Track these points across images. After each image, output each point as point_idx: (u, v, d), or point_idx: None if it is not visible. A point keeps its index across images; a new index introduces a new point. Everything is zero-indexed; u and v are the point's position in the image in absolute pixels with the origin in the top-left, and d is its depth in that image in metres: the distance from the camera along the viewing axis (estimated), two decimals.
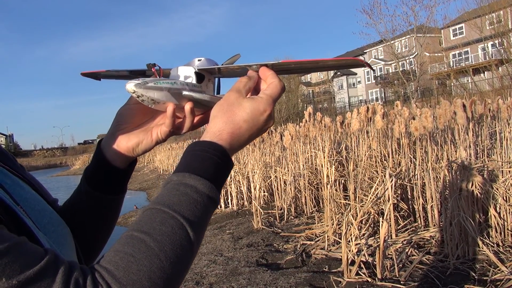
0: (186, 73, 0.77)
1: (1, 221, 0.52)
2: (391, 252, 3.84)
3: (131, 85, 0.70)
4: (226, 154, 0.64)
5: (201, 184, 0.60)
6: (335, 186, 5.28)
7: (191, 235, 0.56)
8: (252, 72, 0.74)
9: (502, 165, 4.15)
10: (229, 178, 7.62)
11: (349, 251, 3.73)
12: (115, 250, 0.53)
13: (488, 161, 4.28)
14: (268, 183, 7.22)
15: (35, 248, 0.50)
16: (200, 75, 0.78)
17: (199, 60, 0.79)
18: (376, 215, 4.49)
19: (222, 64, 0.83)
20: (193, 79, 0.77)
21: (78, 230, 0.76)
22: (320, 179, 6.06)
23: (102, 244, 0.86)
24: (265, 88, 0.71)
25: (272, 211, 6.35)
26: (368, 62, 0.73)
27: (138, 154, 0.80)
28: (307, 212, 6.13)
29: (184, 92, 0.74)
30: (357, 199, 4.88)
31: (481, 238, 3.68)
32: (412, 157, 4.96)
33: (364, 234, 4.28)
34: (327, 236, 4.49)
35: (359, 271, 3.56)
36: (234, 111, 0.67)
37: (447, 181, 3.95)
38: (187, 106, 0.75)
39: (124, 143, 0.78)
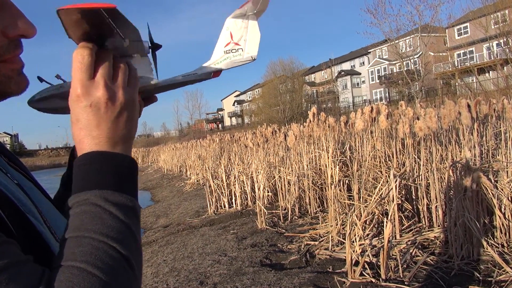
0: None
1: (12, 235, 0.53)
2: (395, 252, 3.83)
3: (29, 103, 0.73)
4: (98, 155, 0.61)
5: (90, 196, 0.58)
6: (339, 186, 5.27)
7: (115, 245, 0.54)
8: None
9: (507, 165, 4.13)
10: (233, 178, 7.64)
11: (353, 251, 3.73)
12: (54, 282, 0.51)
13: (493, 162, 4.27)
14: (272, 183, 7.22)
15: (33, 270, 0.50)
16: None
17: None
18: (380, 215, 4.48)
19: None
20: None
21: None
22: (324, 179, 6.06)
23: None
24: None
25: (276, 211, 6.35)
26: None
27: None
28: (311, 212, 6.12)
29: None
30: (361, 199, 4.87)
31: (486, 238, 3.66)
32: (416, 157, 4.94)
33: (368, 235, 4.27)
34: (331, 237, 4.48)
35: (363, 272, 3.55)
36: (71, 119, 0.64)
37: (452, 181, 3.94)
38: None
39: None
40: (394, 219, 4.17)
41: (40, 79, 0.77)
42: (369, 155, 5.54)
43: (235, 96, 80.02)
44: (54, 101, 0.74)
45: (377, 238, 4.23)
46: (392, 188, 4.17)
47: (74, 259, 0.52)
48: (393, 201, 4.16)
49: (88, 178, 0.59)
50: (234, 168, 8.41)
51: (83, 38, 0.63)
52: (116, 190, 0.59)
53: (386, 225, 3.43)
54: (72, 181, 0.80)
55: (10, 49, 0.60)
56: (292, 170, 6.54)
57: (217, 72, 0.85)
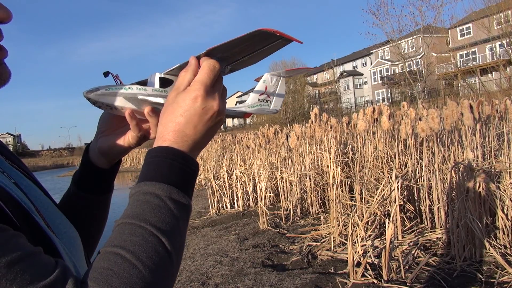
0: (152, 79, 0.79)
1: (18, 228, 0.53)
2: (397, 253, 3.82)
3: (84, 92, 0.74)
4: (177, 153, 0.63)
5: (158, 188, 0.59)
6: (341, 187, 5.27)
7: (164, 240, 0.56)
8: (191, 61, 0.71)
9: (509, 166, 4.12)
10: (235, 179, 7.64)
11: (355, 252, 3.72)
12: (94, 268, 0.53)
13: (496, 163, 4.25)
14: (274, 184, 7.22)
15: (47, 260, 0.51)
16: (165, 80, 0.79)
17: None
18: (382, 216, 4.47)
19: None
20: (156, 84, 0.78)
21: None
22: (326, 180, 6.05)
23: (96, 240, 0.90)
24: (198, 74, 0.69)
25: (278, 212, 6.35)
26: (286, 34, 0.71)
27: (115, 156, 0.85)
28: (313, 213, 6.12)
29: (140, 97, 0.76)
30: (363, 200, 4.87)
31: (488, 240, 3.65)
32: (418, 158, 4.93)
33: (370, 236, 4.27)
34: (333, 237, 4.48)
35: (365, 273, 3.55)
36: (170, 109, 0.67)
37: (454, 182, 3.93)
38: (145, 110, 0.77)
39: (104, 146, 0.83)
40: (396, 220, 4.16)
41: (106, 74, 0.80)
42: (371, 156, 5.53)
43: (237, 97, 79.98)
44: (116, 99, 0.76)
45: (379, 239, 4.22)
46: (394, 189, 4.16)
47: (123, 247, 0.54)
48: (395, 202, 4.16)
49: (160, 171, 0.61)
50: (236, 169, 8.41)
51: (220, 55, 0.71)
52: (181, 190, 0.61)
53: (388, 226, 3.42)
54: (84, 180, 0.83)
55: None
56: (294, 171, 6.53)
57: (248, 114, 0.98)
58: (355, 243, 3.83)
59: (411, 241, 4.11)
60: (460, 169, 3.87)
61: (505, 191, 3.82)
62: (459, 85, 29.16)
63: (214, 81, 0.68)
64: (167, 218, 0.58)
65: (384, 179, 4.78)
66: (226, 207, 7.60)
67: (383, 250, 3.50)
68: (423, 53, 31.81)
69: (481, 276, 3.33)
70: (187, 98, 0.66)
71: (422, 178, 4.65)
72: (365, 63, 50.98)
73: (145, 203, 0.58)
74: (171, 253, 0.56)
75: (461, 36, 36.43)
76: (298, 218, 6.05)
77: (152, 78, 0.79)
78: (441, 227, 4.25)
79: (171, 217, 0.58)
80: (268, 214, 5.98)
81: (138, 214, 0.57)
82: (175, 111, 0.66)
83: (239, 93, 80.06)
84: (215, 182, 7.74)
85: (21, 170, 0.72)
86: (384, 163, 5.56)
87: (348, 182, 5.66)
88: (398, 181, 4.19)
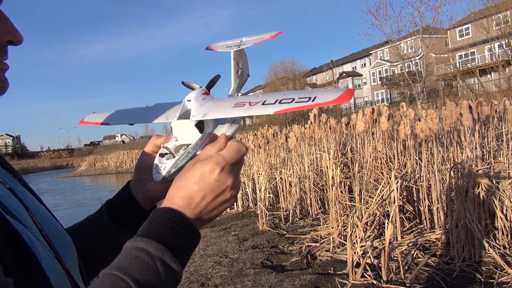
0: (187, 131, 0.77)
1: None
2: (397, 254, 3.83)
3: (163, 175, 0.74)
4: (182, 218, 0.63)
5: (152, 247, 0.58)
6: (340, 188, 5.27)
7: None
8: (221, 138, 0.72)
9: (508, 166, 4.13)
10: None
11: (355, 253, 3.72)
12: None
13: (495, 163, 4.26)
14: (273, 184, 7.22)
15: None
16: (201, 126, 0.78)
17: (189, 101, 0.79)
18: (381, 217, 4.47)
19: (206, 87, 0.85)
20: (196, 134, 0.77)
21: (84, 252, 0.79)
22: (325, 181, 6.06)
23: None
24: (224, 150, 0.69)
25: (277, 212, 6.35)
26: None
27: (160, 199, 0.85)
28: (312, 213, 6.12)
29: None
30: (362, 201, 4.87)
31: (488, 240, 3.65)
32: (417, 158, 4.94)
33: (369, 236, 4.27)
34: (332, 238, 4.48)
35: (364, 273, 3.55)
36: (186, 175, 0.66)
37: (453, 183, 3.93)
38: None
39: (155, 193, 0.84)
40: (395, 220, 4.16)
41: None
42: (370, 156, 5.53)
43: None
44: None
45: (378, 239, 4.22)
46: (393, 190, 4.17)
47: None
48: (394, 203, 4.16)
49: (160, 231, 0.61)
50: None
51: None
52: (175, 255, 0.60)
53: (387, 227, 3.42)
54: (123, 215, 0.84)
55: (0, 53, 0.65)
56: (293, 172, 6.54)
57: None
58: (354, 243, 3.83)
59: (410, 242, 4.12)
60: (459, 169, 3.87)
61: (504, 192, 3.83)
62: (458, 85, 29.20)
63: (236, 162, 0.69)
64: (152, 278, 0.57)
65: (383, 179, 4.78)
66: None
67: (383, 250, 3.50)
68: (422, 54, 31.83)
69: (480, 277, 3.34)
70: (204, 168, 0.65)
71: (421, 178, 4.66)
72: (364, 64, 51.04)
73: (135, 258, 0.58)
74: None
75: (460, 37, 36.48)
76: (298, 219, 6.05)
77: (183, 128, 0.78)
78: (440, 227, 4.25)
79: (156, 279, 0.57)
80: (268, 215, 5.98)
81: (124, 267, 0.57)
82: (189, 178, 0.65)
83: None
84: None
85: (17, 179, 0.74)
86: (383, 164, 5.57)
87: (348, 183, 5.66)
88: (397, 182, 4.19)
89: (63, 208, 14.34)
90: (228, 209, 7.49)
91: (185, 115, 0.79)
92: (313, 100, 0.71)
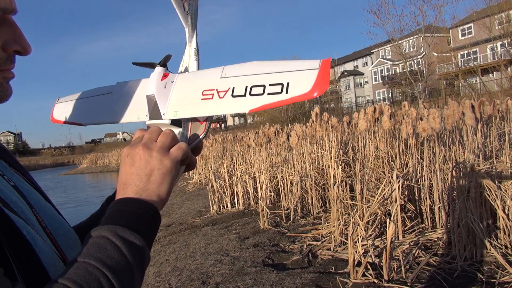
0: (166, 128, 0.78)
1: None
2: (398, 253, 3.82)
3: None
4: (127, 200, 0.67)
5: (104, 230, 0.61)
6: (341, 187, 5.26)
7: (108, 275, 0.57)
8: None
9: (510, 166, 4.12)
10: (235, 178, 7.65)
11: (356, 252, 3.72)
12: None
13: (497, 163, 4.25)
14: (274, 183, 7.22)
15: (3, 285, 0.52)
16: (177, 121, 0.79)
17: (151, 95, 0.78)
18: (383, 216, 4.47)
19: (160, 64, 0.82)
20: (176, 129, 0.78)
21: None
22: (326, 180, 6.05)
23: None
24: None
25: (279, 211, 6.35)
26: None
27: None
28: (313, 212, 6.12)
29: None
30: (364, 200, 4.86)
31: (489, 240, 3.65)
32: (419, 158, 4.93)
33: (370, 235, 4.26)
34: (334, 237, 4.48)
35: (365, 272, 3.54)
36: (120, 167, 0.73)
37: (455, 182, 3.92)
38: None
39: None
40: (396, 219, 4.16)
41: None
42: (372, 155, 5.52)
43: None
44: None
45: (379, 238, 4.22)
46: (395, 189, 4.16)
47: (66, 278, 0.55)
48: (396, 202, 4.15)
49: (111, 216, 0.65)
50: (236, 168, 8.42)
51: None
52: (130, 228, 0.62)
53: (388, 226, 3.42)
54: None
55: (7, 62, 0.67)
56: (294, 170, 6.53)
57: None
58: (355, 242, 3.83)
59: (411, 241, 4.11)
60: (461, 169, 3.86)
61: (506, 191, 3.82)
62: (460, 85, 29.15)
63: (153, 138, 0.72)
64: (112, 253, 0.59)
65: (384, 178, 4.77)
66: (227, 206, 7.60)
67: (384, 249, 3.49)
68: (424, 53, 31.78)
69: (482, 276, 3.33)
70: (124, 153, 0.72)
71: (423, 178, 4.65)
72: (366, 63, 50.95)
73: (92, 244, 0.60)
74: (116, 287, 0.57)
75: (462, 36, 36.39)
76: (299, 218, 6.05)
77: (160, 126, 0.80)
78: (441, 227, 4.25)
79: (116, 253, 0.59)
80: (269, 213, 5.97)
81: (84, 253, 0.59)
82: (121, 168, 0.71)
83: None
84: (216, 181, 7.74)
85: (23, 177, 0.76)
86: (385, 163, 5.56)
87: (349, 182, 5.65)
88: (399, 181, 4.18)
89: (72, 205, 14.36)
90: (230, 207, 7.50)
91: (155, 113, 0.78)
92: (286, 92, 0.67)
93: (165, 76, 0.80)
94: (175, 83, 0.80)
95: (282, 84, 0.68)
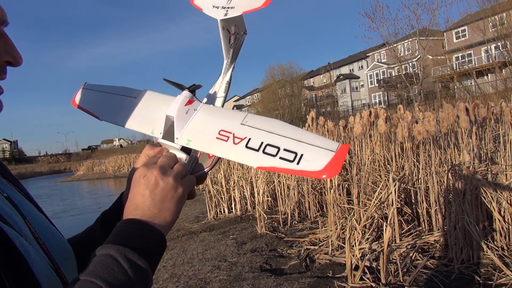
0: (174, 151, 0.78)
1: None
2: (395, 256, 3.82)
3: None
4: (139, 222, 0.67)
5: (112, 249, 0.62)
6: (338, 191, 5.27)
7: None
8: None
9: (506, 168, 4.14)
10: (232, 183, 7.64)
11: (353, 256, 3.72)
12: None
13: (492, 165, 4.27)
14: (271, 188, 7.22)
15: None
16: (187, 149, 0.79)
17: (171, 116, 0.78)
18: (379, 219, 4.47)
19: (189, 90, 0.83)
20: (183, 155, 0.79)
21: (84, 262, 0.81)
22: (323, 184, 6.06)
23: None
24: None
25: (276, 216, 6.35)
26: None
27: None
28: (310, 217, 6.12)
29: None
30: (360, 203, 4.87)
31: (486, 242, 3.66)
32: (415, 161, 4.94)
33: (368, 239, 4.27)
34: (331, 241, 4.48)
35: (363, 276, 3.55)
36: (131, 190, 0.73)
37: (451, 185, 3.94)
38: None
39: None
40: (393, 223, 4.16)
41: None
42: (368, 159, 5.54)
43: (234, 101, 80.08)
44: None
45: (377, 242, 4.22)
46: (391, 192, 4.17)
47: None
48: (392, 205, 4.16)
49: (119, 236, 0.66)
50: (233, 173, 8.41)
51: None
52: (138, 252, 0.63)
53: (385, 229, 3.42)
54: (109, 223, 0.84)
55: None
56: (291, 175, 6.53)
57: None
58: (353, 246, 3.83)
59: (408, 244, 4.12)
60: (457, 171, 3.88)
61: (501, 193, 3.84)
62: (455, 87, 29.28)
63: (170, 164, 0.73)
64: (119, 274, 0.60)
65: (381, 182, 4.79)
66: (224, 212, 7.59)
67: (381, 253, 3.50)
68: (419, 56, 31.95)
69: (479, 278, 3.34)
70: (136, 175, 0.72)
71: (419, 181, 4.66)
72: (362, 66, 51.15)
73: (99, 262, 0.61)
74: None
75: (456, 39, 36.62)
76: (296, 222, 6.04)
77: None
78: (438, 229, 4.26)
79: (122, 274, 0.60)
80: (266, 218, 5.97)
81: (90, 271, 0.60)
82: (131, 190, 0.72)
83: (236, 97, 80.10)
84: (213, 187, 7.73)
85: (16, 188, 0.76)
86: (381, 166, 5.58)
87: (346, 186, 5.66)
88: (395, 184, 4.19)
89: (72, 214, 14.22)
90: (227, 213, 7.49)
91: (169, 134, 0.78)
92: (298, 163, 0.66)
93: (190, 102, 0.80)
94: (197, 113, 0.80)
95: (296, 154, 0.68)
